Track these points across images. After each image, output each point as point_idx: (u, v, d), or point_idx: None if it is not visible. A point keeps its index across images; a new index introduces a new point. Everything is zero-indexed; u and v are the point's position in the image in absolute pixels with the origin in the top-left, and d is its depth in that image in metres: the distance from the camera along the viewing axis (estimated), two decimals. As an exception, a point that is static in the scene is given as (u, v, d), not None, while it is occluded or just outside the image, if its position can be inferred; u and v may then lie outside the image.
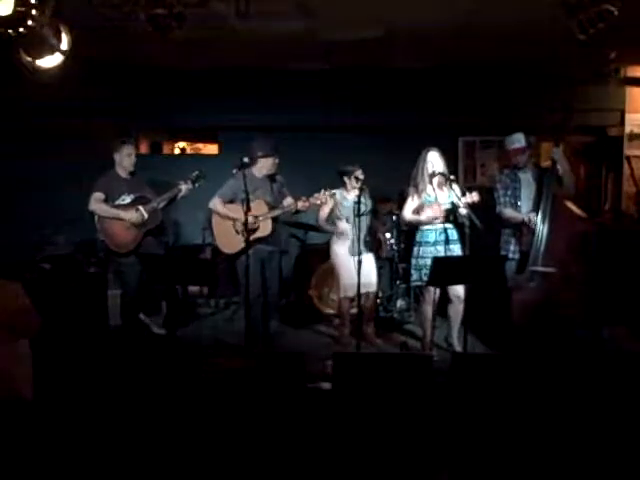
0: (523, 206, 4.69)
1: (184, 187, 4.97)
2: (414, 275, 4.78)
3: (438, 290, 4.71)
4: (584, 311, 4.52)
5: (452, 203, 4.60)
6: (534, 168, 4.81)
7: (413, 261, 4.79)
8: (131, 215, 4.90)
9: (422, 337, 4.93)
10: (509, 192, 4.78)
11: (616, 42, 4.77)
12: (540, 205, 4.56)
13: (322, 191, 4.66)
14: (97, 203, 4.93)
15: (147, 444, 2.94)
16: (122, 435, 2.99)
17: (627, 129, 6.56)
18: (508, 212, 4.77)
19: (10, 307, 2.90)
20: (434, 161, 4.64)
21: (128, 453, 2.89)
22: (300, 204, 4.70)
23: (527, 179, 4.75)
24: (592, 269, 4.57)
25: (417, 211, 4.71)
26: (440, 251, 4.61)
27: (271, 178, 4.89)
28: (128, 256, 4.93)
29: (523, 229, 4.64)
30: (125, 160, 5.00)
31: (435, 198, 4.63)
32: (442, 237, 4.64)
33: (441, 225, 4.65)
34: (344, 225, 4.97)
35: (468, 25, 4.96)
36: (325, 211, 5.03)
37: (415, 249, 4.80)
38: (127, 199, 4.98)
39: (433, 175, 4.62)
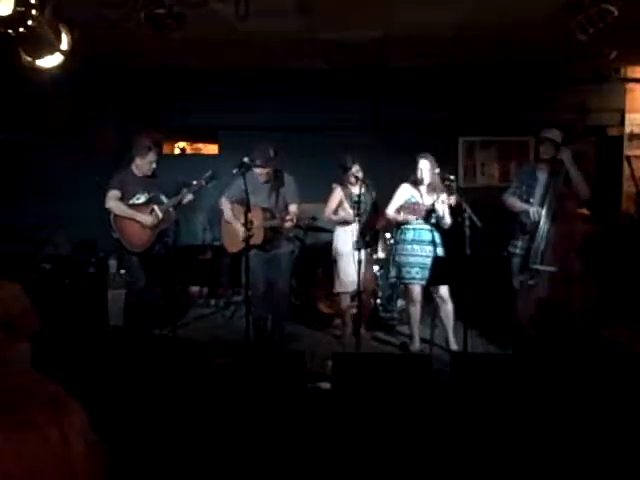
0: (535, 205, 4.71)
1: (188, 196, 4.96)
2: (392, 271, 4.93)
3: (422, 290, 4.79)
4: (584, 311, 4.52)
5: (433, 206, 4.72)
6: (551, 169, 4.81)
7: (392, 258, 4.94)
8: (147, 217, 4.92)
9: (410, 336, 5.00)
10: (523, 187, 4.80)
11: (616, 42, 4.76)
12: (545, 203, 4.58)
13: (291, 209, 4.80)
14: (114, 201, 4.93)
15: (147, 444, 2.94)
16: (122, 435, 2.99)
17: (627, 129, 6.56)
18: (511, 200, 4.84)
19: (10, 307, 2.90)
20: (424, 169, 4.74)
21: (128, 453, 2.88)
22: (287, 224, 4.71)
23: (544, 179, 4.76)
24: (594, 269, 4.58)
25: (399, 210, 4.79)
26: (417, 250, 4.74)
27: (276, 183, 4.86)
28: (141, 255, 4.93)
29: (531, 225, 4.64)
30: (146, 166, 4.99)
31: (420, 199, 4.77)
32: (420, 236, 4.77)
33: (422, 225, 4.76)
34: (349, 218, 4.97)
35: (468, 25, 4.96)
36: (332, 206, 5.07)
37: (395, 246, 4.93)
38: (142, 198, 4.99)
39: (422, 182, 4.76)
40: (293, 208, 4.84)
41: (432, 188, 4.77)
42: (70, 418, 0.86)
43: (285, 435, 2.96)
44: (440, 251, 4.78)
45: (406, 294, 5.00)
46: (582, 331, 4.52)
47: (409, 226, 4.78)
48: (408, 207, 4.71)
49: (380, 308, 5.82)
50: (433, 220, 4.75)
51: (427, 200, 4.76)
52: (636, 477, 2.69)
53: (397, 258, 4.83)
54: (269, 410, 3.04)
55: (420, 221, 4.74)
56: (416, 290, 4.78)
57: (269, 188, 4.84)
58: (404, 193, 4.82)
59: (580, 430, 2.86)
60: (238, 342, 4.72)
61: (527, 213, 4.65)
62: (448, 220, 4.69)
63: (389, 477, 2.80)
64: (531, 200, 4.72)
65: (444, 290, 4.75)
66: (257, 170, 4.73)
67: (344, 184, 5.03)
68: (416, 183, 4.78)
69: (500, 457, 2.82)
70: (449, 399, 3.07)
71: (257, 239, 4.66)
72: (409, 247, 4.77)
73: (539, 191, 4.73)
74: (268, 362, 3.37)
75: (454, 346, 4.83)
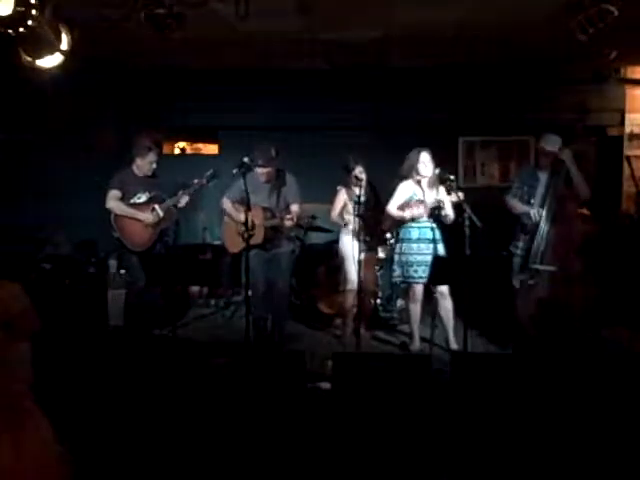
0: (535, 205, 4.69)
1: (184, 198, 4.96)
2: (397, 271, 4.86)
3: (422, 287, 4.77)
4: (583, 311, 4.53)
5: (438, 202, 4.67)
6: (552, 169, 4.80)
7: (396, 257, 4.87)
8: (148, 216, 4.92)
9: (410, 336, 4.99)
10: (525, 187, 4.80)
11: (616, 42, 4.77)
12: (545, 203, 4.58)
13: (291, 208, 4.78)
14: (114, 201, 4.93)
15: (147, 443, 2.94)
16: (122, 435, 2.99)
17: (627, 129, 6.56)
18: (512, 201, 4.83)
19: (10, 307, 2.90)
20: (426, 162, 4.70)
21: (128, 453, 2.89)
22: (286, 222, 4.70)
23: (545, 179, 4.76)
24: (593, 269, 4.58)
25: (402, 207, 4.76)
26: (423, 249, 4.70)
27: (278, 182, 4.86)
28: (141, 255, 4.93)
29: (531, 225, 4.64)
30: (146, 166, 5.00)
31: (422, 195, 4.71)
32: (425, 235, 4.73)
33: (425, 223, 4.73)
34: (350, 219, 4.97)
35: (468, 25, 4.96)
36: (337, 208, 5.07)
37: (398, 245, 4.87)
38: (142, 197, 4.99)
39: (423, 176, 4.71)
40: (295, 208, 4.83)
41: (432, 183, 4.73)
42: (29, 430, 0.87)
43: (285, 435, 2.96)
44: (442, 248, 4.75)
45: (408, 293, 4.97)
46: (582, 331, 4.53)
47: (413, 224, 4.74)
48: (411, 205, 4.68)
49: (380, 308, 5.82)
50: (437, 216, 4.69)
51: (429, 196, 4.72)
52: (636, 477, 2.69)
53: (402, 257, 4.77)
54: (269, 410, 3.04)
55: (424, 219, 4.71)
56: (418, 289, 4.77)
57: (270, 188, 4.84)
58: (406, 191, 4.79)
59: (580, 430, 2.86)
60: (238, 342, 4.72)
61: (528, 214, 4.65)
62: (452, 215, 4.64)
63: (389, 477, 2.80)
64: (532, 201, 4.71)
65: (444, 287, 4.74)
66: (258, 170, 4.73)
67: (348, 185, 5.03)
68: (418, 179, 4.72)
69: (500, 456, 2.82)
70: (449, 399, 3.07)
71: (257, 238, 4.66)
72: (414, 246, 4.72)
73: (540, 191, 4.73)
74: (268, 362, 3.37)
75: (454, 346, 4.83)
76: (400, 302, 5.91)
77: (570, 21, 3.73)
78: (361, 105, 6.66)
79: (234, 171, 4.45)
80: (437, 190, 4.71)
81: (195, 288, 6.54)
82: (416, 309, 4.84)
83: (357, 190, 4.82)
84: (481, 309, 4.95)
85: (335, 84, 6.61)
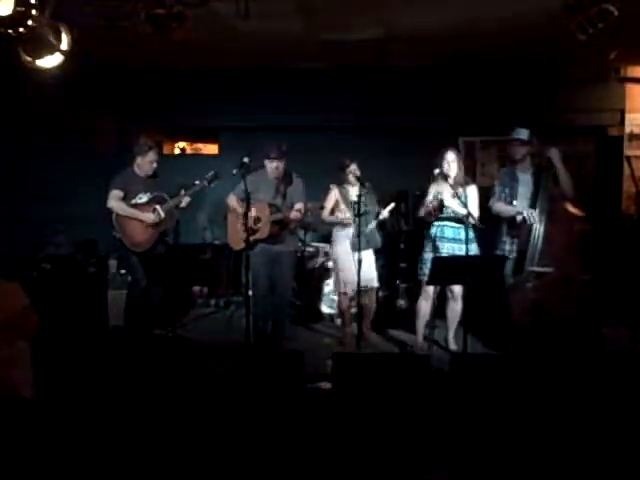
0: (518, 205, 4.65)
1: (185, 199, 4.98)
2: (423, 268, 4.78)
3: (438, 288, 4.76)
4: (582, 311, 4.52)
5: (455, 213, 4.64)
6: (534, 168, 4.78)
7: (421, 254, 4.83)
8: (149, 216, 4.94)
9: (415, 332, 4.98)
10: (506, 189, 4.75)
11: (616, 42, 4.77)
12: (537, 204, 4.56)
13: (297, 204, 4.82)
14: (116, 201, 4.94)
15: (147, 443, 2.94)
16: (122, 435, 2.99)
17: (627, 129, 6.55)
18: (498, 206, 4.76)
19: (10, 307, 2.90)
20: (449, 161, 4.65)
21: (128, 453, 2.89)
22: (292, 214, 4.75)
23: (526, 179, 4.72)
24: (590, 269, 4.57)
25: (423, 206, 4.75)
26: (447, 247, 4.68)
27: (284, 181, 4.88)
28: (141, 255, 4.94)
29: (522, 227, 4.61)
30: (147, 165, 5.01)
31: (441, 197, 4.68)
32: (457, 235, 4.68)
33: (453, 223, 4.69)
34: (345, 220, 4.94)
35: (468, 25, 4.97)
36: (328, 206, 5.06)
37: (426, 243, 4.82)
38: (144, 197, 5.00)
39: (444, 175, 4.66)
40: (300, 205, 4.86)
41: (455, 184, 4.62)
42: None
43: (285, 435, 2.96)
44: (475, 248, 4.67)
45: (421, 289, 4.90)
46: (581, 331, 4.52)
47: (442, 223, 4.72)
48: (427, 205, 4.66)
49: (381, 308, 5.82)
50: (458, 215, 4.63)
51: (448, 198, 4.66)
52: (636, 477, 2.69)
53: (425, 255, 4.76)
54: (269, 410, 3.05)
55: (451, 218, 4.68)
56: (431, 287, 4.74)
57: (277, 185, 4.86)
58: (432, 192, 4.76)
59: (580, 430, 2.86)
60: (238, 342, 4.72)
61: (520, 214, 4.59)
62: (470, 219, 4.47)
63: (389, 476, 2.80)
64: (514, 202, 4.66)
65: (458, 288, 4.73)
66: (272, 164, 4.77)
67: (341, 184, 5.02)
68: (444, 179, 4.65)
69: (500, 456, 2.82)
70: (449, 399, 3.07)
71: (263, 234, 4.69)
72: (439, 244, 4.71)
73: (522, 191, 4.67)
74: (268, 362, 3.37)
75: (453, 346, 4.83)
76: (400, 302, 5.91)
77: (570, 21, 3.73)
78: (361, 105, 6.65)
79: (234, 171, 4.45)
80: (458, 191, 4.52)
81: (195, 288, 6.55)
82: (426, 306, 4.82)
83: (352, 189, 4.85)
84: (481, 309, 4.95)
85: (335, 84, 6.61)
